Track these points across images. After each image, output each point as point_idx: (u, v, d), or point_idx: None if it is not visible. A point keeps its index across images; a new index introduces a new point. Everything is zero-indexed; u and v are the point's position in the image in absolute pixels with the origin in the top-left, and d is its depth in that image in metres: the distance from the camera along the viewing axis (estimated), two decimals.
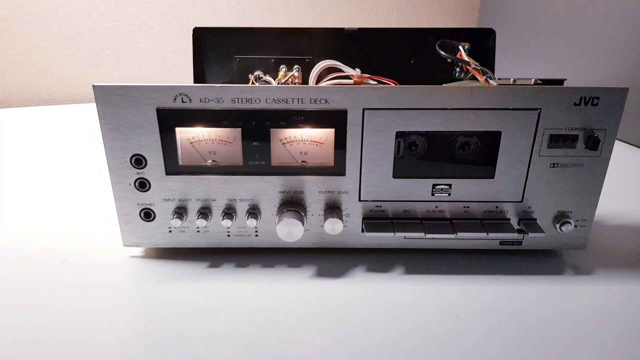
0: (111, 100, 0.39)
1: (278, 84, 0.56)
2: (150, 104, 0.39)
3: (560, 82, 0.46)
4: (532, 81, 0.44)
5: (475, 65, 0.55)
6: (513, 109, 0.40)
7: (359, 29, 0.63)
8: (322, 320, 0.37)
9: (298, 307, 0.39)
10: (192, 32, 0.61)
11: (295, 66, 0.61)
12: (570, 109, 0.40)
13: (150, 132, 0.40)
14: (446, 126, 0.41)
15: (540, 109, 0.40)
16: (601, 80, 0.94)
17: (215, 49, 0.63)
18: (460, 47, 0.59)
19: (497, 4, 1.35)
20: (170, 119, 0.40)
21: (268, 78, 0.58)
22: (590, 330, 0.36)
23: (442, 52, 0.59)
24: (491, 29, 0.63)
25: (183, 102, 0.39)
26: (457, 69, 0.61)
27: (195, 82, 0.62)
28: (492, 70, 0.61)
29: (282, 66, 0.61)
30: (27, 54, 1.34)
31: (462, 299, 0.40)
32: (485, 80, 0.51)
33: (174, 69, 1.40)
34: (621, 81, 0.89)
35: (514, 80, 0.44)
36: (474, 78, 0.55)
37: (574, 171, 0.42)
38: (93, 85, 0.39)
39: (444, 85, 0.52)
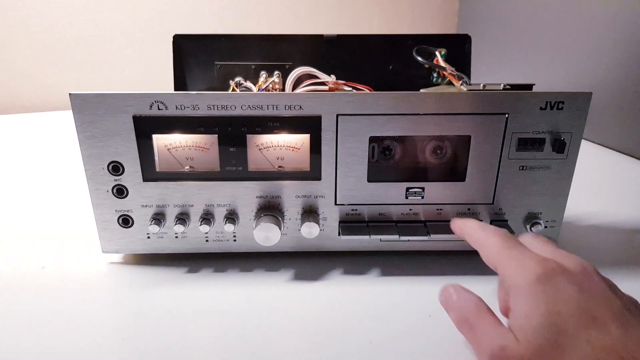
0: (88, 108, 0.40)
1: (259, 89, 0.57)
2: (127, 111, 0.40)
3: (529, 87, 0.47)
4: (502, 86, 0.45)
5: (452, 70, 0.56)
6: (482, 114, 0.41)
7: (337, 35, 0.64)
8: (299, 323, 0.38)
9: (276, 310, 0.40)
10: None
11: (276, 72, 0.61)
12: (537, 113, 0.41)
13: (127, 139, 0.41)
14: (418, 131, 0.42)
15: (508, 113, 0.41)
16: (577, 83, 0.97)
17: (196, 56, 0.64)
18: (437, 53, 0.60)
19: (476, 10, 1.37)
20: (146, 126, 0.41)
21: (249, 84, 0.58)
22: None
23: (419, 58, 0.60)
24: (467, 35, 0.65)
25: (159, 109, 0.40)
26: (434, 74, 0.62)
27: (175, 89, 0.63)
28: (468, 75, 0.63)
29: (262, 72, 0.61)
30: (8, 61, 1.33)
31: (436, 299, 0.41)
32: (461, 85, 0.52)
33: (156, 76, 1.40)
34: (595, 85, 0.92)
35: (484, 86, 0.45)
36: (450, 83, 0.57)
37: (542, 173, 0.43)
38: (70, 94, 0.39)
39: (420, 90, 0.53)
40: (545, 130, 0.42)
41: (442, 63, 0.59)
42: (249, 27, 1.41)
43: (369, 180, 0.43)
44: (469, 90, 0.45)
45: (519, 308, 0.27)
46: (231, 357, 0.34)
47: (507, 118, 0.41)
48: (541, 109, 0.41)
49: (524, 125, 0.41)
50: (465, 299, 0.32)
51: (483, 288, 0.43)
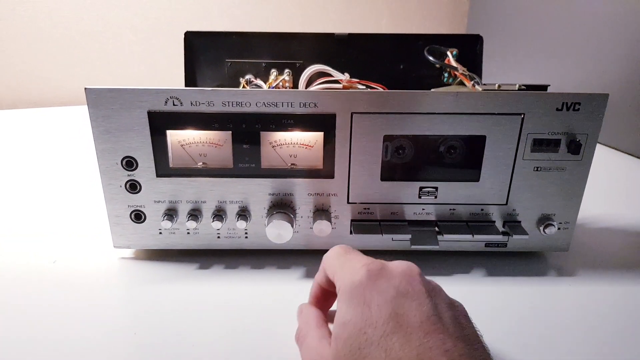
0: (103, 103, 0.40)
1: (269, 87, 0.57)
2: (142, 106, 0.40)
3: (544, 87, 0.47)
4: (517, 87, 0.45)
5: (463, 70, 0.56)
6: (497, 114, 0.41)
7: (349, 34, 0.64)
8: None
9: (287, 308, 0.39)
10: (183, 36, 0.61)
11: (286, 70, 0.61)
12: (553, 114, 0.41)
13: (141, 134, 0.41)
14: (432, 130, 0.42)
15: (524, 113, 0.41)
16: (590, 85, 0.96)
17: (207, 53, 0.64)
18: (449, 53, 0.60)
19: (486, 10, 1.37)
20: (161, 122, 0.41)
21: (259, 82, 0.58)
22: (573, 329, 0.37)
23: (431, 58, 0.60)
24: (478, 35, 0.64)
25: (174, 105, 0.40)
26: (445, 74, 0.62)
27: (186, 86, 0.63)
28: (480, 76, 0.62)
29: (273, 70, 0.61)
30: (17, 56, 1.33)
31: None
32: (473, 85, 0.52)
33: (165, 72, 1.40)
34: (606, 87, 0.91)
35: (499, 86, 0.45)
36: (461, 83, 0.56)
37: (556, 175, 0.43)
38: (85, 88, 0.39)
39: (431, 90, 0.53)
40: (560, 132, 0.41)
41: (453, 63, 0.58)
42: (257, 26, 1.41)
43: (382, 179, 0.43)
44: (485, 90, 0.45)
45: (340, 314, 0.28)
46: (242, 353, 0.34)
47: (522, 118, 0.41)
48: (557, 109, 0.40)
49: (539, 125, 0.41)
50: (305, 314, 0.33)
51: (494, 289, 0.43)
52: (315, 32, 0.63)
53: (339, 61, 0.62)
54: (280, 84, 0.58)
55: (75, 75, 1.37)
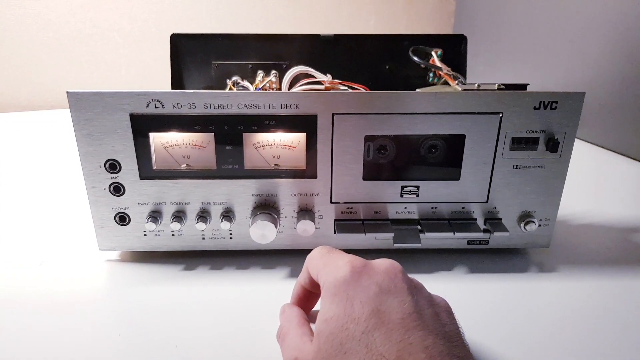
0: (85, 106, 0.40)
1: (255, 89, 0.57)
2: (124, 109, 0.40)
3: (523, 87, 0.47)
4: (496, 86, 0.45)
5: (447, 70, 0.57)
6: (476, 113, 0.41)
7: (334, 35, 0.64)
8: None
9: (272, 308, 0.40)
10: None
11: (273, 71, 0.61)
12: (531, 112, 0.41)
13: (124, 137, 0.41)
14: (413, 130, 0.42)
15: (502, 112, 0.41)
16: (572, 83, 0.97)
17: (193, 55, 0.64)
18: (433, 53, 0.61)
19: (472, 11, 1.38)
20: (143, 125, 0.41)
21: (246, 83, 0.58)
22: (554, 325, 0.38)
23: (415, 58, 0.60)
24: (463, 35, 0.65)
25: (156, 107, 0.40)
26: (431, 74, 0.63)
27: (173, 88, 0.63)
28: (464, 75, 0.63)
29: (259, 71, 0.62)
30: (5, 60, 1.33)
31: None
32: (457, 84, 0.52)
33: (153, 75, 1.40)
34: (589, 85, 0.92)
35: (478, 86, 0.46)
36: (446, 83, 0.57)
37: (536, 172, 0.44)
38: (67, 92, 0.40)
39: (416, 90, 0.53)
40: (538, 130, 0.42)
41: (438, 63, 0.59)
42: (246, 27, 1.42)
43: (364, 179, 0.44)
44: (464, 89, 0.45)
45: (323, 311, 0.29)
46: (226, 354, 0.34)
47: (501, 117, 0.41)
48: (535, 108, 0.41)
49: (518, 124, 0.42)
50: (287, 313, 0.34)
51: (475, 286, 0.43)
52: (302, 34, 0.64)
53: (325, 62, 0.63)
54: (267, 85, 0.59)
55: (63, 78, 1.37)
